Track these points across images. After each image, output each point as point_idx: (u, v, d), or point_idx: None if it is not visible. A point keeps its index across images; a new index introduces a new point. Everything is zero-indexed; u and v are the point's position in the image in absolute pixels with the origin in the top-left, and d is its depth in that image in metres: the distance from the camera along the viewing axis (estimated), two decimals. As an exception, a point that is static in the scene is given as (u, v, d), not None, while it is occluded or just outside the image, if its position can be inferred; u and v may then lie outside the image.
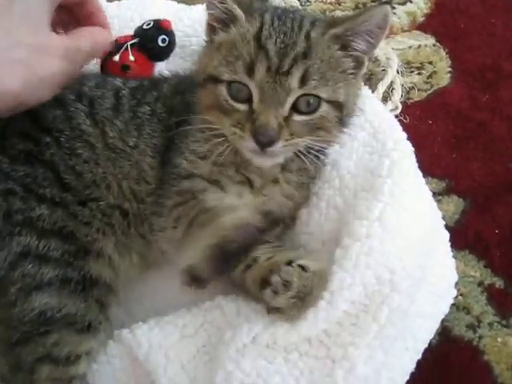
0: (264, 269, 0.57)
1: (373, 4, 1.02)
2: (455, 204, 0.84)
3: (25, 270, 0.59)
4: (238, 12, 0.62)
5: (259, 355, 0.55)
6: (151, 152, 0.66)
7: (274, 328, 0.56)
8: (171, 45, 0.78)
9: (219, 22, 0.64)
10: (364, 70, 0.64)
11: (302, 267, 0.55)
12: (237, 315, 0.63)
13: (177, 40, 0.84)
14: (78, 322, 0.59)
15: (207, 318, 0.64)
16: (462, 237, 0.81)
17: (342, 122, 0.63)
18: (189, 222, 0.62)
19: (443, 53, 1.03)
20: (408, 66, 1.00)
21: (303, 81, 0.57)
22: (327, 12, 1.09)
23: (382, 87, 0.92)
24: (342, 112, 0.61)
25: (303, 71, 0.57)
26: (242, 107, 0.60)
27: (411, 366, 0.60)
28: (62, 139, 0.65)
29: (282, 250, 0.61)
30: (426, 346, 0.63)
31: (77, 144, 0.65)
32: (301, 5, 1.08)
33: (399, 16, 1.08)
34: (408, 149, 0.68)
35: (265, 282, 0.56)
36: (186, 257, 0.58)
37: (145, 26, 0.78)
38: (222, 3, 0.62)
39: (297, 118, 0.59)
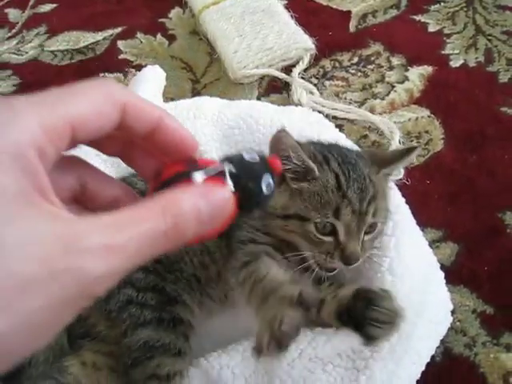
0: (335, 304, 0.74)
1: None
2: (451, 248, 1.02)
3: (131, 312, 0.81)
4: (312, 165, 0.75)
5: (304, 367, 0.74)
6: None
7: (315, 343, 0.76)
8: (272, 194, 0.46)
9: (295, 173, 0.76)
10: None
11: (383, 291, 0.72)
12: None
13: (222, 131, 1.07)
14: (171, 348, 0.80)
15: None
16: (457, 275, 0.98)
17: (386, 221, 0.82)
18: (250, 287, 0.75)
19: (437, 122, 1.23)
20: (408, 136, 1.21)
21: (374, 215, 0.76)
22: (340, 93, 1.32)
23: (387, 157, 1.14)
24: (387, 216, 0.81)
25: (374, 209, 0.75)
26: (329, 239, 0.74)
27: (417, 376, 0.79)
28: None
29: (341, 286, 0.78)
30: (429, 360, 0.80)
31: None
32: (318, 89, 1.32)
33: (399, 93, 1.30)
34: (406, 211, 0.89)
35: (339, 314, 0.73)
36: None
37: (246, 156, 0.45)
38: (299, 159, 0.74)
39: (366, 238, 0.77)
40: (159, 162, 0.46)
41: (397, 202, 0.89)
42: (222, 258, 0.87)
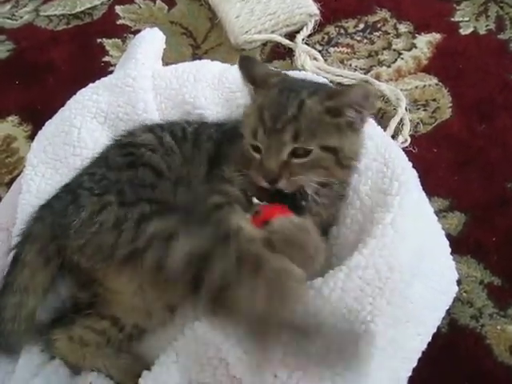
0: None
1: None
2: (458, 218, 0.99)
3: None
4: (249, 88, 0.84)
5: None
6: (205, 157, 0.88)
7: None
8: None
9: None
10: (360, 127, 0.81)
11: None
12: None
13: (223, 95, 1.04)
14: None
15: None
16: (464, 244, 0.96)
17: (340, 162, 0.80)
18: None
19: (445, 90, 1.19)
20: (415, 104, 1.17)
21: (295, 137, 0.76)
22: (345, 60, 1.28)
23: (393, 124, 1.10)
24: (338, 155, 0.79)
25: (294, 130, 0.76)
26: (258, 156, 0.80)
27: (423, 347, 0.77)
28: (154, 149, 0.88)
29: None
30: (435, 331, 0.78)
31: (165, 151, 0.88)
32: (322, 56, 1.28)
33: (406, 60, 1.26)
34: (413, 173, 0.85)
35: None
36: None
37: None
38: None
39: (294, 161, 0.77)
40: None
41: (403, 165, 0.85)
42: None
